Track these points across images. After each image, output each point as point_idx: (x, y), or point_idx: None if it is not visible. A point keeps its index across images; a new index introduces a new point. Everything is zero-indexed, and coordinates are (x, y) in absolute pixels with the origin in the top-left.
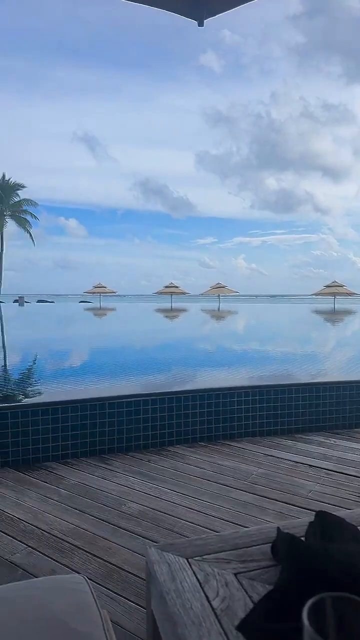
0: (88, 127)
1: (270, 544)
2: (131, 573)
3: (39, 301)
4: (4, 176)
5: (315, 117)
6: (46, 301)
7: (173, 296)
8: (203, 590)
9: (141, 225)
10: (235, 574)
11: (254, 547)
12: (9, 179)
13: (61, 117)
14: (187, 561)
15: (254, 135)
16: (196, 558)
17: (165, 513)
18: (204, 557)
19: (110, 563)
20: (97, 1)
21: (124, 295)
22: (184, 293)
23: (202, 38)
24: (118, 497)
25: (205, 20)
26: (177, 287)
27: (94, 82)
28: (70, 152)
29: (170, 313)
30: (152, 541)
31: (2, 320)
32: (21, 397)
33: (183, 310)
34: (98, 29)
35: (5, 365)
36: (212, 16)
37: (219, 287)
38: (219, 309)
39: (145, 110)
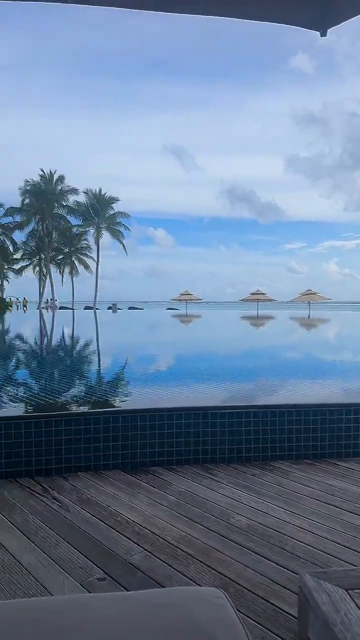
0: (177, 139)
1: None
2: (246, 588)
3: (130, 308)
4: (100, 191)
5: None
6: (136, 308)
7: (259, 303)
8: None
9: (227, 233)
10: None
11: None
12: (105, 193)
13: (151, 131)
14: (347, 593)
15: (348, 134)
16: (356, 590)
17: (274, 530)
18: None
19: (225, 576)
20: (185, 17)
21: (208, 302)
22: (271, 300)
23: (292, 41)
24: (225, 509)
25: (328, 30)
26: (263, 294)
27: (183, 95)
28: (160, 164)
29: (258, 321)
30: (265, 558)
31: (97, 326)
32: (128, 402)
33: (270, 317)
34: (187, 44)
35: (112, 370)
36: (336, 25)
37: (309, 293)
38: (309, 316)
39: (234, 119)
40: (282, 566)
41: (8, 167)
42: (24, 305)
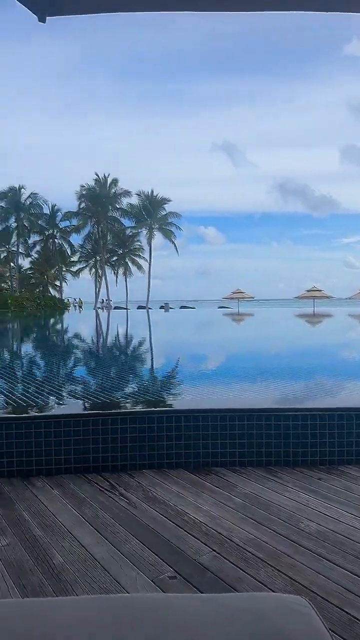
0: (227, 136)
1: None
2: (320, 596)
3: (181, 307)
4: (152, 192)
5: None
6: (188, 307)
7: (315, 300)
8: None
9: (279, 228)
10: None
11: None
12: (157, 195)
13: (201, 129)
14: None
15: None
16: None
17: (347, 537)
18: None
19: (297, 582)
20: (232, 14)
21: (260, 300)
22: (328, 297)
23: (346, 28)
24: (293, 513)
25: None
26: (320, 290)
27: (232, 92)
28: (210, 162)
29: (315, 319)
30: (338, 565)
31: (150, 325)
32: (191, 401)
33: (329, 315)
34: (234, 40)
35: (175, 370)
36: None
37: None
38: None
39: (285, 112)
40: (356, 575)
41: (64, 172)
42: (80, 306)
